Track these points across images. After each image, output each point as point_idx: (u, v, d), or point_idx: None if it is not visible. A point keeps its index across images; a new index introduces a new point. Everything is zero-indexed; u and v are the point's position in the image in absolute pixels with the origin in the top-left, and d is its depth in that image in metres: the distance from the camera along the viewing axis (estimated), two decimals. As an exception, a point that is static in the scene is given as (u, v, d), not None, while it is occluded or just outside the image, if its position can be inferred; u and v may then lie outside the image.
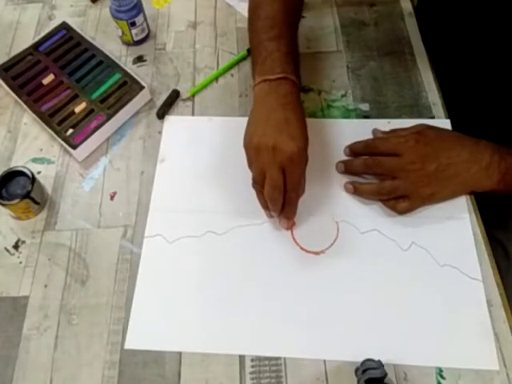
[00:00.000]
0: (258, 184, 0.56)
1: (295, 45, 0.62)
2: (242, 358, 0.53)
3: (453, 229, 0.59)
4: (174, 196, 0.63)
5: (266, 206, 0.58)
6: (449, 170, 0.57)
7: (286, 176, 0.54)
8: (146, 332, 0.55)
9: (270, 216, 0.60)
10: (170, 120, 0.70)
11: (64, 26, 0.77)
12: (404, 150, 0.58)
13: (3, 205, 0.59)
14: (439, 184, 0.58)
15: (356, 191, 0.61)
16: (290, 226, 0.60)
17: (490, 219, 0.62)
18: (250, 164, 0.57)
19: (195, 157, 0.66)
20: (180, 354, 0.54)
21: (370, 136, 0.66)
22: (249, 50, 0.75)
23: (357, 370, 0.49)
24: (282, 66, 0.57)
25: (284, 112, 0.55)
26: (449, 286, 0.56)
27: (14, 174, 0.61)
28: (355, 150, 0.64)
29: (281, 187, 0.54)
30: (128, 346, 0.54)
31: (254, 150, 0.55)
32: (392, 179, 0.59)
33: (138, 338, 0.54)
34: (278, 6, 0.62)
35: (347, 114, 0.69)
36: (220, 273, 0.58)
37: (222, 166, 0.65)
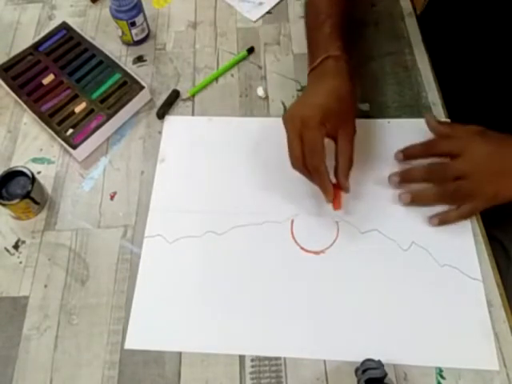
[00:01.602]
0: (289, 158, 0.57)
1: (344, 23, 0.63)
2: (241, 358, 0.53)
3: (453, 229, 0.59)
4: (174, 196, 0.63)
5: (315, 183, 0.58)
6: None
7: (303, 144, 0.55)
8: (146, 332, 0.55)
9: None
10: (170, 120, 0.70)
11: (64, 25, 0.77)
12: (468, 149, 0.58)
13: (3, 205, 0.59)
14: (504, 183, 0.57)
15: (414, 200, 0.59)
16: (333, 200, 0.57)
17: (491, 219, 0.62)
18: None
19: (195, 157, 0.66)
20: (180, 354, 0.54)
21: (369, 136, 0.66)
22: (249, 50, 0.75)
23: (357, 370, 0.49)
24: (325, 48, 0.59)
25: (318, 85, 0.58)
26: (449, 285, 0.56)
27: (14, 174, 0.61)
28: (414, 154, 0.62)
29: (298, 156, 0.55)
30: (128, 346, 0.54)
31: (284, 124, 0.58)
32: (454, 180, 0.58)
33: (138, 338, 0.54)
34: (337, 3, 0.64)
35: (347, 113, 0.69)
36: (220, 272, 0.58)
37: (222, 166, 0.65)
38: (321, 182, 0.56)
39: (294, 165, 0.57)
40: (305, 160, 0.55)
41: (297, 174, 0.58)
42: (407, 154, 0.63)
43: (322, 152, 0.55)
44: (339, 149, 0.56)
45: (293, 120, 0.56)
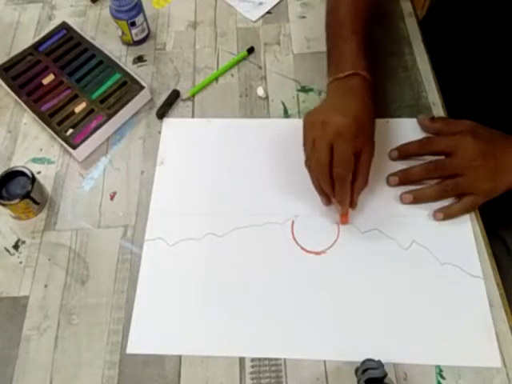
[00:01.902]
0: (309, 160, 0.57)
1: (367, 41, 0.63)
2: (241, 358, 0.53)
3: (453, 227, 0.59)
4: (174, 198, 0.63)
5: (319, 189, 0.58)
6: (506, 164, 0.58)
7: (333, 152, 0.55)
8: (148, 336, 0.55)
9: (326, 203, 0.60)
10: (169, 122, 0.70)
11: (64, 25, 0.77)
12: (462, 147, 0.59)
13: (3, 205, 0.59)
14: (499, 178, 0.58)
15: (416, 199, 0.60)
16: (344, 214, 0.58)
17: (493, 217, 0.62)
18: (305, 141, 0.58)
19: (194, 159, 0.66)
20: (180, 354, 0.54)
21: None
22: (249, 50, 0.75)
23: (357, 370, 0.49)
24: (351, 64, 0.60)
25: (345, 99, 0.58)
26: (450, 284, 0.56)
27: (14, 174, 0.61)
28: (408, 152, 0.63)
29: (325, 162, 0.54)
30: (130, 350, 0.54)
31: (307, 124, 0.58)
32: (452, 177, 0.59)
33: (139, 343, 0.54)
34: (350, 7, 0.64)
35: (347, 113, 0.69)
36: (221, 274, 0.58)
37: (221, 168, 0.65)
38: (342, 191, 0.56)
39: (316, 169, 0.56)
40: (330, 168, 0.55)
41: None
42: (402, 152, 0.64)
43: (353, 164, 0.55)
44: (360, 166, 0.56)
45: (324, 126, 0.55)
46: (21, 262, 0.60)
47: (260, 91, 0.71)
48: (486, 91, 0.71)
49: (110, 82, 0.71)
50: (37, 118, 0.68)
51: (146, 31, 0.77)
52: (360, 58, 0.60)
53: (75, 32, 0.76)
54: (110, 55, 0.74)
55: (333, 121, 0.55)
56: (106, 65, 0.72)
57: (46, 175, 0.66)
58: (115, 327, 0.55)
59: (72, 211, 0.63)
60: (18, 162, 0.66)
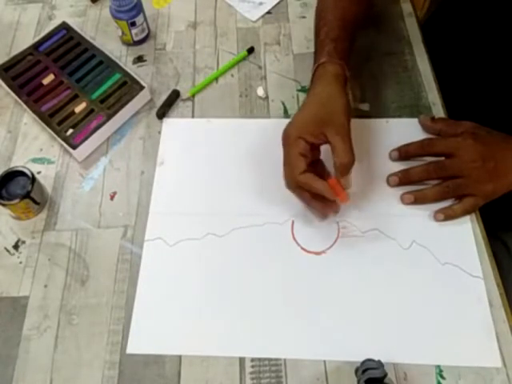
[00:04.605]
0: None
1: (338, 26, 0.63)
2: (242, 358, 0.53)
3: (453, 227, 0.59)
4: (174, 199, 0.63)
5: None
6: (505, 166, 0.58)
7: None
8: (148, 336, 0.55)
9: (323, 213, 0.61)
10: (169, 122, 0.70)
11: (64, 26, 0.77)
12: (462, 149, 0.59)
13: (3, 205, 0.59)
14: (499, 180, 0.58)
15: (417, 200, 0.60)
16: (337, 197, 0.56)
17: (495, 220, 0.62)
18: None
19: (194, 159, 0.66)
20: (180, 354, 0.54)
21: (369, 135, 0.66)
22: (249, 50, 0.75)
23: (357, 370, 0.49)
24: (317, 58, 0.60)
25: (308, 97, 0.59)
26: (450, 284, 0.56)
27: (14, 174, 0.61)
28: (408, 153, 0.63)
29: (284, 175, 0.57)
30: (130, 350, 0.54)
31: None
32: (453, 178, 0.59)
33: (140, 343, 0.54)
34: (339, 12, 0.64)
35: (347, 113, 0.69)
36: (221, 274, 0.58)
37: (221, 168, 0.65)
38: (312, 187, 0.55)
39: (287, 185, 0.58)
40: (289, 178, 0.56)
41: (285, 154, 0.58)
42: (402, 152, 0.63)
43: (299, 164, 0.55)
44: (331, 148, 0.55)
45: (281, 142, 0.58)
46: (21, 262, 0.60)
47: (260, 91, 0.71)
48: (486, 91, 0.71)
49: (109, 82, 0.71)
50: (37, 118, 0.68)
51: (146, 31, 0.77)
52: (324, 48, 0.60)
53: (75, 32, 0.76)
54: (110, 55, 0.74)
55: (283, 134, 0.57)
56: (106, 65, 0.72)
57: (46, 175, 0.66)
58: (115, 327, 0.55)
59: (72, 211, 0.63)
60: (18, 162, 0.66)
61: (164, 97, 0.71)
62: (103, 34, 0.79)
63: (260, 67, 0.74)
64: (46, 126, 0.67)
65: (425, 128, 0.65)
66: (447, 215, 0.59)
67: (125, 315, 0.56)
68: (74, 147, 0.65)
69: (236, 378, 0.52)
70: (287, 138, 0.56)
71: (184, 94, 0.72)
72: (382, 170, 0.63)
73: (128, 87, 0.70)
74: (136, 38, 0.76)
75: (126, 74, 0.71)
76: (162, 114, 0.70)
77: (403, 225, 0.59)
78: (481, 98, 0.72)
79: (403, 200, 0.61)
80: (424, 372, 0.51)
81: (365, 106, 0.69)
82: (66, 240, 0.61)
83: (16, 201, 0.59)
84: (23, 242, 0.61)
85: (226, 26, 0.79)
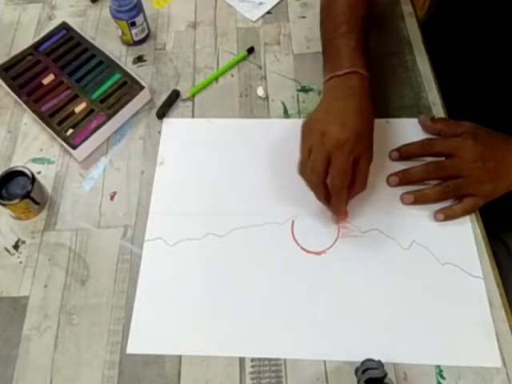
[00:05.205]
0: (303, 167, 0.57)
1: (365, 39, 0.63)
2: (242, 358, 0.53)
3: (453, 227, 0.59)
4: (174, 199, 0.63)
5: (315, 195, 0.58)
6: (505, 166, 0.58)
7: (330, 163, 0.54)
8: (148, 337, 0.55)
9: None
10: (168, 122, 0.70)
11: (64, 26, 0.77)
12: (462, 149, 0.59)
13: (3, 205, 0.59)
14: (499, 180, 0.58)
15: (417, 200, 0.60)
16: (339, 221, 0.59)
17: (495, 220, 0.62)
18: (301, 148, 0.58)
19: (194, 159, 0.66)
20: (180, 354, 0.54)
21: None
22: (249, 50, 0.75)
23: (357, 370, 0.49)
24: (350, 61, 0.59)
25: (345, 102, 0.57)
26: (450, 284, 0.56)
27: (14, 174, 0.61)
28: (408, 153, 0.63)
29: (320, 172, 0.54)
30: (130, 350, 0.54)
31: (305, 132, 0.57)
32: (453, 179, 0.59)
33: (140, 343, 0.54)
34: (346, 3, 0.63)
35: (347, 114, 0.69)
36: (221, 274, 0.58)
37: (221, 168, 0.65)
38: (337, 202, 0.56)
39: (311, 178, 0.56)
40: (326, 178, 0.55)
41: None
42: (402, 152, 0.64)
43: (350, 176, 0.55)
44: (358, 172, 0.55)
45: (322, 136, 0.55)
46: (21, 262, 0.60)
47: (260, 91, 0.71)
48: (486, 91, 0.71)
49: (110, 82, 0.71)
50: (37, 118, 0.68)
51: (146, 31, 0.77)
52: (358, 56, 0.60)
53: (75, 32, 0.76)
54: (110, 55, 0.74)
55: (332, 132, 0.54)
56: (106, 65, 0.72)
57: (46, 175, 0.66)
58: (115, 327, 0.55)
59: (72, 211, 0.63)
60: (18, 162, 0.66)
61: (164, 97, 0.71)
62: (103, 34, 0.79)
63: (260, 67, 0.74)
64: (46, 126, 0.67)
65: (425, 128, 0.65)
66: (447, 215, 0.59)
67: (125, 315, 0.56)
68: (74, 147, 0.65)
69: (236, 377, 0.52)
70: (344, 144, 0.54)
71: (184, 94, 0.72)
72: (382, 170, 0.63)
73: (128, 87, 0.70)
74: (136, 38, 0.76)
75: (126, 73, 0.71)
76: (162, 114, 0.70)
77: (403, 225, 0.59)
78: (481, 97, 0.72)
79: (403, 200, 0.61)
80: (424, 372, 0.51)
81: (365, 106, 0.69)
82: (66, 240, 0.61)
83: (16, 201, 0.59)
84: (23, 242, 0.61)
85: (225, 26, 0.79)
